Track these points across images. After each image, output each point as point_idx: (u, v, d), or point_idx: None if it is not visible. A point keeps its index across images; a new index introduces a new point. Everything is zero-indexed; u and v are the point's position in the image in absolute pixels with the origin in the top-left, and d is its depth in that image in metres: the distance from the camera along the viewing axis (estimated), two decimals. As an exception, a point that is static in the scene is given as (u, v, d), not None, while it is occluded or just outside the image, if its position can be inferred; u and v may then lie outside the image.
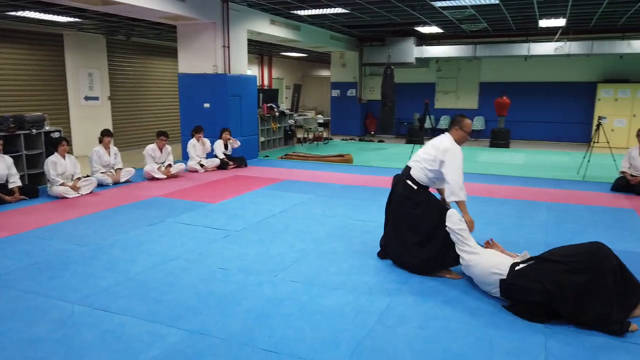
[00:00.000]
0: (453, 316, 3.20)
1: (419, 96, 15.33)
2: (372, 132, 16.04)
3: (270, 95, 13.27)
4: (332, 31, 13.60)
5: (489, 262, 3.46)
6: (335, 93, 16.24)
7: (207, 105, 9.69)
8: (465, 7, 9.69)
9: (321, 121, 14.31)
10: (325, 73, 23.10)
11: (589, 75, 13.69)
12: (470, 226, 3.74)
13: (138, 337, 2.91)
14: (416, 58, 13.96)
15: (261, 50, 16.77)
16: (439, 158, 3.84)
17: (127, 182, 7.74)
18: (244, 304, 3.36)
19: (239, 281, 3.77)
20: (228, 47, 9.48)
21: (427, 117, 11.11)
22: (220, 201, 6.45)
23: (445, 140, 3.93)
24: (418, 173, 3.99)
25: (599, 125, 8.52)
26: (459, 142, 3.94)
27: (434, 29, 13.07)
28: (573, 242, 4.74)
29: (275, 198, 6.63)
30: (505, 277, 3.31)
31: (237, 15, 9.64)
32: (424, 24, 12.31)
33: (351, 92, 15.97)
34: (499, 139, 13.04)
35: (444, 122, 14.90)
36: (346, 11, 10.45)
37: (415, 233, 3.94)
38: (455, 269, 3.90)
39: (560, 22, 11.60)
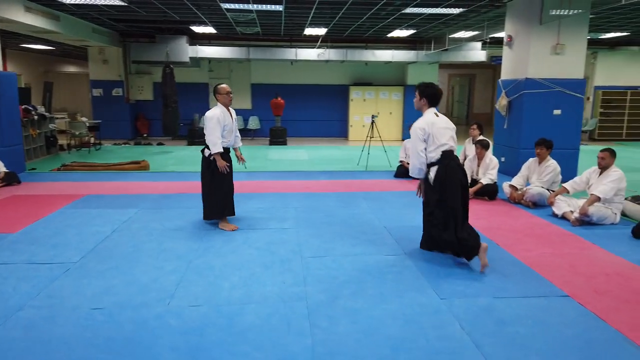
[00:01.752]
0: (369, 306, 3.44)
1: (195, 96, 15.14)
2: (145, 135, 15.00)
3: (23, 95, 11.06)
4: (95, 24, 12.15)
5: None
6: (97, 92, 14.56)
7: (-52, 108, 7.54)
8: (250, 11, 10.00)
9: (88, 125, 12.64)
10: (74, 69, 20.45)
11: (344, 79, 15.83)
12: (221, 169, 4.96)
13: (56, 417, 2.25)
14: (190, 57, 13.68)
15: (-8, 39, 13.71)
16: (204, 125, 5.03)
17: None
18: (162, 343, 2.91)
19: (132, 319, 3.21)
20: (-25, 35, 7.55)
21: None
22: (19, 229, 5.19)
23: (209, 111, 5.00)
24: None
25: (372, 122, 10.02)
26: (224, 103, 5.05)
27: (208, 29, 13.03)
28: (402, 221, 5.62)
29: (92, 217, 5.69)
30: None
31: (-15, -3, 7.75)
32: (200, 23, 12.15)
33: (117, 92, 14.58)
34: (277, 137, 13.90)
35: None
36: (123, 4, 9.52)
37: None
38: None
39: (322, 31, 13.07)
